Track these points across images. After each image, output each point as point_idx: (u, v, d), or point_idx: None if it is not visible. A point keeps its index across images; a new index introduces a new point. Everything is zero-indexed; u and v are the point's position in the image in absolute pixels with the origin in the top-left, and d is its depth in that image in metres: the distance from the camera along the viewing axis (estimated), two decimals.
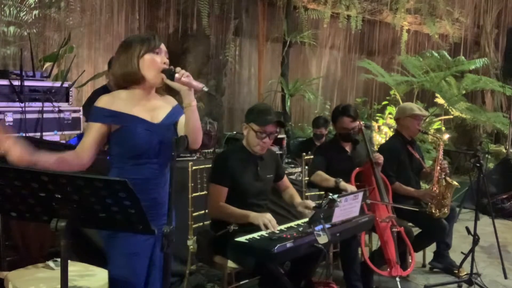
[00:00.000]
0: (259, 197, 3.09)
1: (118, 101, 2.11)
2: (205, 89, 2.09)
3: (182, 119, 2.20)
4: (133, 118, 2.10)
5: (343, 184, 3.51)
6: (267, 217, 2.80)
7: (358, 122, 3.80)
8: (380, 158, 3.75)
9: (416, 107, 4.14)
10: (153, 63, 2.11)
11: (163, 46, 2.18)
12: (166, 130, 2.16)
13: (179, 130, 2.21)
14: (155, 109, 2.18)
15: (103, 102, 2.11)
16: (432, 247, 4.20)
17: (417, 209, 3.83)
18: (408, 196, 4.00)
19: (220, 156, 3.17)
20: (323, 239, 2.54)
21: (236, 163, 3.01)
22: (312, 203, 3.05)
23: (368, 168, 3.77)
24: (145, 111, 2.15)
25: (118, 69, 2.15)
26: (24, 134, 3.71)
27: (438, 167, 3.92)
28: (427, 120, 7.55)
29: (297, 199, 3.21)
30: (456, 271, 4.08)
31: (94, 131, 2.10)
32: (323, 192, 3.94)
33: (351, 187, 3.49)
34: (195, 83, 2.09)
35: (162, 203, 2.15)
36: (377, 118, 7.85)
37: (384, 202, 3.65)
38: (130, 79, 2.13)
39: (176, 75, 2.07)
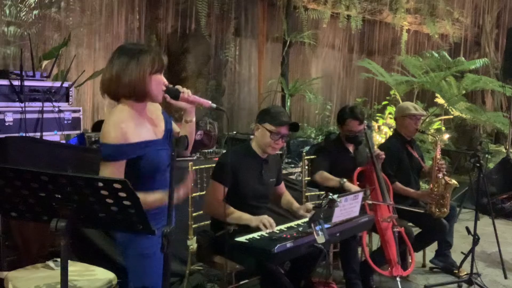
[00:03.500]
0: (260, 200, 3.08)
1: (128, 128, 2.03)
2: (213, 105, 2.16)
3: (175, 128, 2.30)
4: (147, 143, 2.08)
5: (347, 184, 3.53)
6: (265, 218, 2.82)
7: (364, 125, 3.81)
8: (381, 153, 3.77)
9: (412, 107, 4.14)
10: (159, 84, 2.10)
11: None
12: (169, 141, 2.20)
13: None
14: (154, 123, 2.19)
15: (116, 136, 2.00)
16: (432, 247, 4.20)
17: (422, 211, 3.82)
18: (407, 196, 4.01)
19: (226, 154, 3.16)
20: (321, 239, 2.54)
21: (241, 164, 2.98)
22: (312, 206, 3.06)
23: (370, 167, 3.78)
24: (150, 129, 2.14)
25: (127, 84, 2.03)
26: (24, 134, 3.71)
27: (436, 167, 3.93)
28: (427, 120, 7.55)
29: (296, 204, 3.20)
30: (456, 271, 4.08)
31: (121, 169, 2.03)
32: (323, 192, 3.94)
33: (355, 188, 3.50)
34: (203, 100, 2.16)
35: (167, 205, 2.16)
36: (377, 118, 7.85)
37: (385, 203, 3.65)
38: (136, 95, 2.07)
39: (183, 94, 2.12)
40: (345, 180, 3.57)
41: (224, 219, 2.83)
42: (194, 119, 2.24)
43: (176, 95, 2.12)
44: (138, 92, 2.06)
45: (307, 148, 6.01)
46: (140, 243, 2.11)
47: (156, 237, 1.98)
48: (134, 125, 2.06)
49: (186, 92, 2.14)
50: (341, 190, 3.41)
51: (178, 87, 2.14)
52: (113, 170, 2.02)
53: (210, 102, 2.18)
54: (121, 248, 2.22)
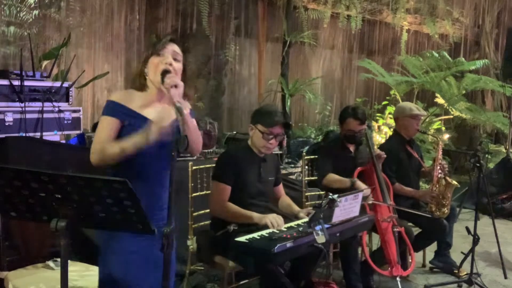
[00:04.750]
0: (260, 198, 3.08)
1: (133, 99, 2.13)
2: (177, 104, 1.87)
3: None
4: (142, 118, 2.09)
5: (358, 183, 3.51)
6: (273, 216, 2.84)
7: (364, 126, 3.79)
8: (382, 153, 3.76)
9: (414, 107, 4.14)
10: (153, 65, 2.11)
11: (169, 46, 2.14)
12: (169, 135, 2.12)
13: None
14: (163, 112, 2.14)
15: (120, 97, 2.13)
16: (432, 247, 4.20)
17: (424, 214, 3.81)
18: (407, 196, 4.00)
19: (225, 154, 3.17)
20: (321, 238, 2.54)
21: (240, 162, 3.00)
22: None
23: (371, 167, 3.77)
24: (154, 113, 2.12)
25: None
26: (24, 134, 3.71)
27: (438, 167, 3.93)
28: (427, 120, 7.55)
29: (296, 207, 3.20)
30: (456, 271, 4.08)
31: (114, 126, 2.09)
32: (323, 192, 3.94)
33: (365, 187, 3.47)
34: (172, 95, 1.92)
35: (161, 204, 2.13)
36: (377, 118, 7.85)
37: (386, 203, 3.64)
38: (134, 82, 2.17)
39: (165, 78, 2.00)
40: (355, 179, 3.53)
41: (232, 220, 2.84)
42: (185, 111, 1.87)
43: (162, 77, 2.03)
44: (134, 81, 2.18)
45: (307, 148, 6.02)
46: (122, 240, 2.04)
47: (141, 237, 1.95)
48: (140, 98, 2.14)
49: (168, 77, 1.99)
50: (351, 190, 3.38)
51: (169, 71, 2.04)
52: (104, 126, 2.10)
53: (177, 100, 1.88)
54: (99, 241, 2.14)
